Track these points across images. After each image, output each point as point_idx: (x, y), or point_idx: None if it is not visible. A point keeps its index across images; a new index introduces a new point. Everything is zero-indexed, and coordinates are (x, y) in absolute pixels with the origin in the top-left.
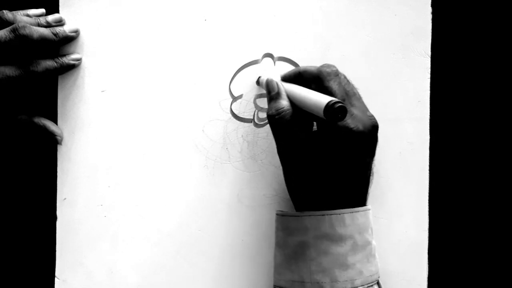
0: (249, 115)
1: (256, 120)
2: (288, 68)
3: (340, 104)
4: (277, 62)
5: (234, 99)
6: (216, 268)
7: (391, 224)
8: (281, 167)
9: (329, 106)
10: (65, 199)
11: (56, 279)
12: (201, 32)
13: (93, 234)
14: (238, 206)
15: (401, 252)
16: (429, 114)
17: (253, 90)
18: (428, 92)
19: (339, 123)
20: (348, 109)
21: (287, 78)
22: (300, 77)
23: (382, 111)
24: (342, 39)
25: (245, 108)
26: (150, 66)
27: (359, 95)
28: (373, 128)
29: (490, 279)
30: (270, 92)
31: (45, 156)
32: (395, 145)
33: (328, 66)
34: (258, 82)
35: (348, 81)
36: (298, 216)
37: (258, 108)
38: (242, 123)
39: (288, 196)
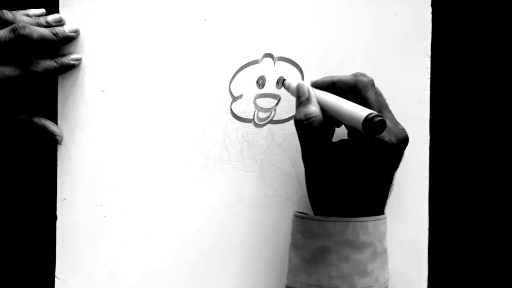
0: (249, 115)
1: (256, 120)
2: (288, 68)
3: (380, 118)
4: (277, 62)
5: (234, 99)
6: (216, 268)
7: (391, 224)
8: (281, 167)
9: (368, 119)
10: (65, 199)
11: (56, 279)
12: (201, 32)
13: (93, 234)
14: (238, 206)
15: (401, 252)
16: (429, 114)
17: (253, 90)
18: (428, 92)
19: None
20: None
21: (319, 86)
22: (333, 86)
23: None
24: (342, 39)
25: (245, 108)
26: (150, 66)
27: (389, 107)
28: (404, 142)
29: (490, 279)
30: (300, 97)
31: (45, 156)
32: None
33: (363, 75)
34: (284, 86)
35: (380, 92)
36: (322, 220)
37: (258, 108)
38: (242, 123)
39: (288, 196)
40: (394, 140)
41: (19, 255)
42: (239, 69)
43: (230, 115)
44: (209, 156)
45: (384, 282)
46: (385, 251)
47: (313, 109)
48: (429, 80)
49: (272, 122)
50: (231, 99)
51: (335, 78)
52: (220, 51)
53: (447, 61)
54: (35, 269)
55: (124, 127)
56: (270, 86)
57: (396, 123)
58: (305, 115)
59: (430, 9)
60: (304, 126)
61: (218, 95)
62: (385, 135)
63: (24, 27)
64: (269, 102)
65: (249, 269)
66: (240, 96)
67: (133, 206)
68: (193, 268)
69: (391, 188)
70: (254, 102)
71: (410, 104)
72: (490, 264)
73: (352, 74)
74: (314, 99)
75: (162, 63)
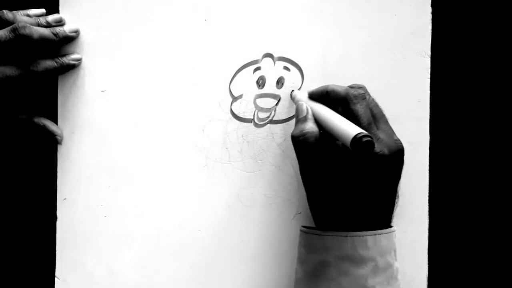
0: (249, 115)
1: (256, 120)
2: (288, 68)
3: (368, 139)
4: (277, 62)
5: (234, 99)
6: (216, 268)
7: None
8: (281, 167)
9: (356, 138)
10: (65, 199)
11: (56, 279)
12: (201, 32)
13: (93, 234)
14: (238, 206)
15: (401, 252)
16: (429, 114)
17: (253, 90)
18: (428, 92)
19: None
20: (374, 134)
21: (314, 96)
22: (327, 96)
23: None
24: (342, 39)
25: (245, 108)
26: (150, 66)
27: (386, 118)
28: (399, 152)
29: (490, 279)
30: (298, 116)
31: (45, 156)
32: None
33: (356, 88)
34: (291, 97)
35: (376, 103)
36: (321, 235)
37: (258, 108)
38: (242, 123)
39: (288, 196)
40: (386, 151)
41: (19, 255)
42: (239, 69)
43: (230, 115)
44: (209, 156)
45: None
46: (389, 266)
47: (310, 125)
48: (429, 80)
49: (272, 122)
50: (231, 99)
51: (329, 88)
52: (220, 51)
53: (447, 61)
54: (35, 269)
55: (124, 127)
56: (270, 86)
57: (391, 134)
58: (301, 131)
59: (430, 9)
60: (299, 141)
61: (218, 95)
62: (377, 147)
63: (24, 27)
64: (269, 102)
65: (249, 269)
66: (240, 96)
67: (133, 206)
68: (193, 268)
69: (397, 200)
70: (254, 102)
71: (410, 104)
72: (490, 263)
73: (348, 85)
74: (311, 116)
75: (162, 63)
